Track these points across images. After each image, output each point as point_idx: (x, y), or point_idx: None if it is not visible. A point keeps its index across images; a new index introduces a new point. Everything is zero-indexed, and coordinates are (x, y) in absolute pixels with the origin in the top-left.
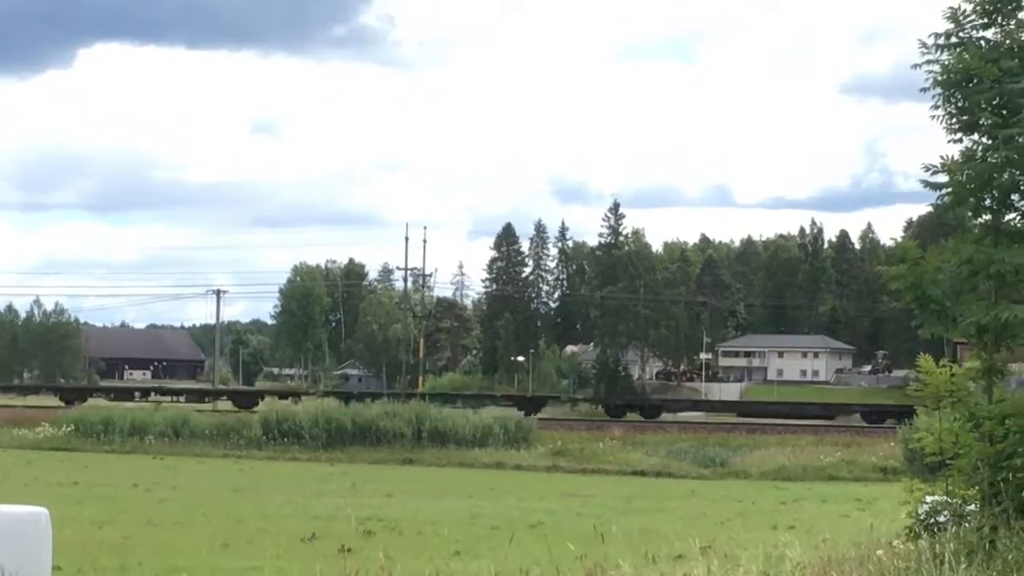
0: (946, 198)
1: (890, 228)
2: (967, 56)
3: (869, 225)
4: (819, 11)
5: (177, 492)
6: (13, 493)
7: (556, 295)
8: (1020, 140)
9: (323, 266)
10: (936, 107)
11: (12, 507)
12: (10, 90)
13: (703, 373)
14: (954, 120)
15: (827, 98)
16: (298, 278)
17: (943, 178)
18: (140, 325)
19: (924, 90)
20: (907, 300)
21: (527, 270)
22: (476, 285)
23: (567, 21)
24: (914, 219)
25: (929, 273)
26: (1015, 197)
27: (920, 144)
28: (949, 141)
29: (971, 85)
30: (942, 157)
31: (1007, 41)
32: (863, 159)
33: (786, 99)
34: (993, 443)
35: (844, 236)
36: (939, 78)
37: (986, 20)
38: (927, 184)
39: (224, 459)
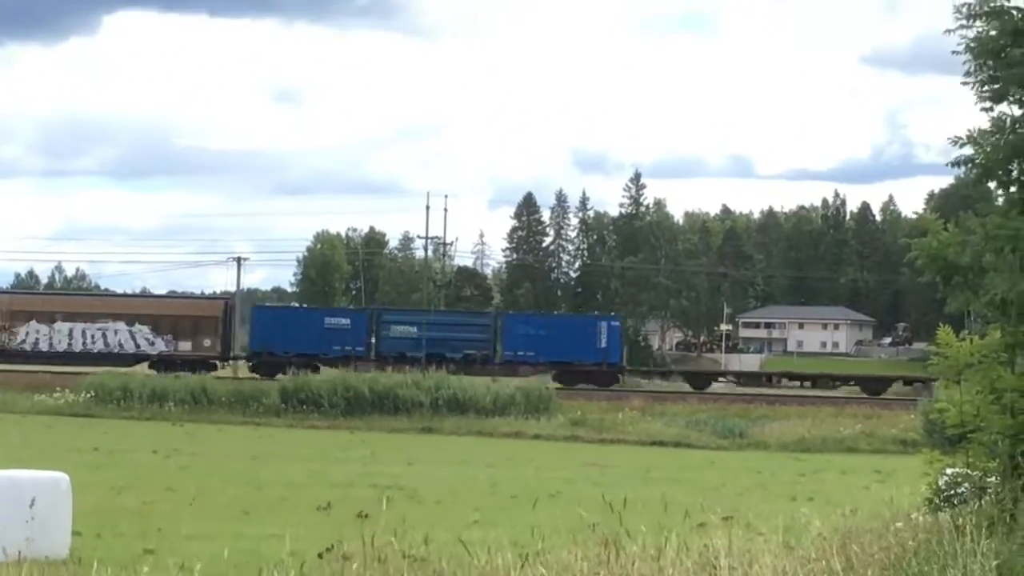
0: (972, 170)
1: (912, 200)
2: (999, 25)
3: (891, 197)
4: None
5: (197, 459)
6: (33, 458)
7: (576, 265)
8: None
9: (344, 234)
10: (968, 75)
11: (33, 472)
12: (34, 57)
13: (723, 344)
14: (984, 89)
15: (848, 69)
16: (319, 246)
17: (969, 150)
18: (160, 291)
19: (955, 53)
20: (931, 273)
21: (548, 240)
22: (496, 254)
23: None
24: (936, 191)
25: (953, 246)
26: None
27: (942, 116)
28: (980, 109)
29: (1003, 56)
30: (968, 130)
31: None
32: (884, 131)
33: (807, 70)
34: (1015, 416)
35: (866, 208)
36: (971, 46)
37: None
38: (953, 162)
39: (243, 426)
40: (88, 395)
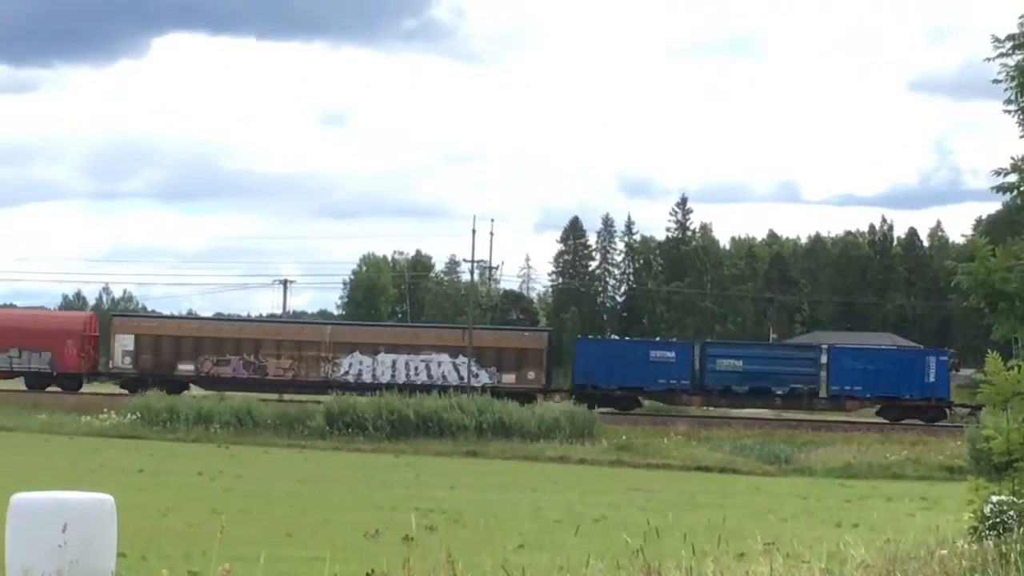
0: (1017, 197)
1: (960, 226)
2: None
3: (938, 223)
4: (886, 7)
5: (242, 481)
6: (79, 480)
7: (623, 289)
8: None
9: (390, 257)
10: (1009, 102)
11: (78, 494)
12: (84, 79)
13: None
14: None
15: (895, 95)
16: (365, 268)
17: (1013, 178)
18: (207, 314)
19: (996, 82)
20: (977, 298)
21: (594, 264)
22: (542, 278)
23: (635, 17)
24: (984, 217)
25: (1000, 271)
26: None
27: (989, 142)
28: (1021, 137)
29: None
30: (1012, 158)
31: None
32: (932, 157)
33: (853, 96)
34: None
35: (913, 233)
36: (1012, 74)
37: None
38: (998, 188)
39: (288, 449)
40: (134, 417)
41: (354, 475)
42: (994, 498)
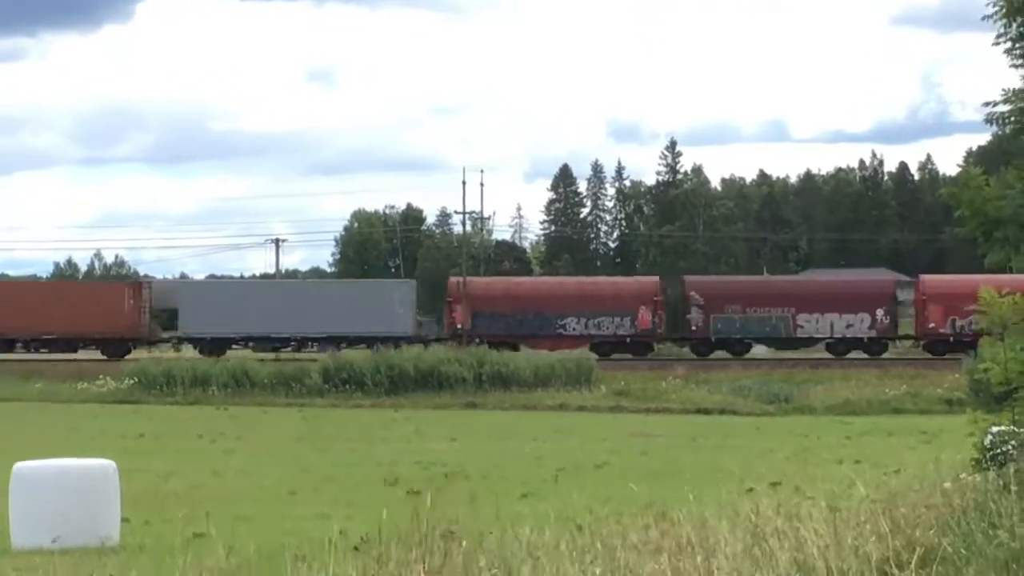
0: (1007, 127)
1: (950, 159)
2: None
3: (928, 156)
4: None
5: (242, 442)
6: (81, 447)
7: (615, 235)
8: None
9: (381, 212)
10: (1000, 35)
11: (81, 460)
12: (69, 47)
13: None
14: (1015, 47)
15: (879, 30)
16: (356, 224)
17: (1004, 108)
18: (200, 276)
19: (986, 18)
20: (971, 227)
21: (585, 211)
22: (534, 227)
23: None
24: (974, 148)
25: (992, 200)
26: None
27: (977, 73)
28: (1011, 66)
29: None
30: (1004, 90)
31: None
32: (919, 90)
33: (838, 33)
34: None
35: (903, 167)
36: (1001, 4)
37: None
38: (989, 119)
39: (287, 407)
40: (132, 382)
41: (353, 431)
42: (994, 428)
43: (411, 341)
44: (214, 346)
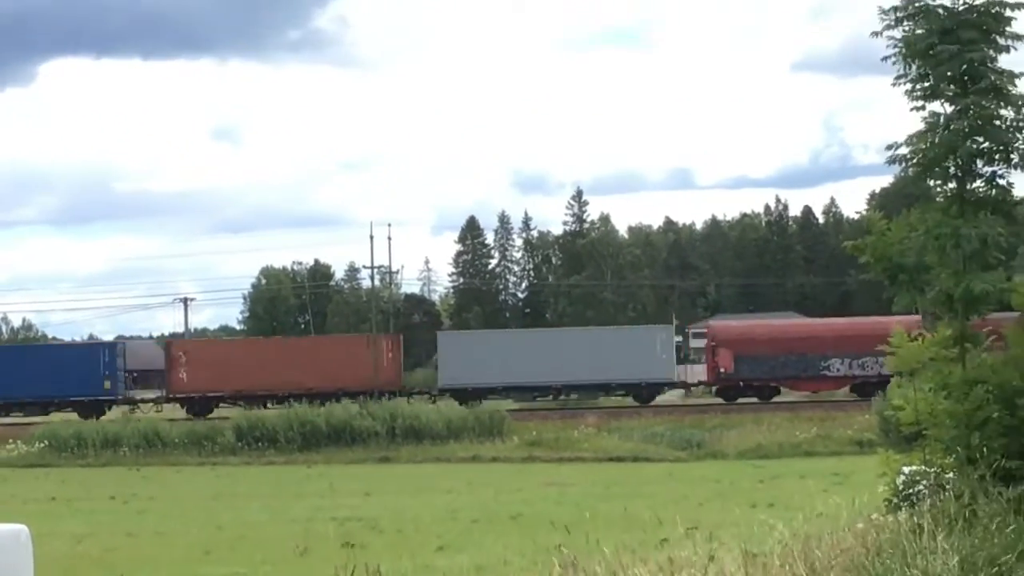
0: (910, 170)
1: (853, 201)
2: (927, 24)
3: (832, 199)
4: None
5: (155, 503)
6: None
7: (524, 285)
8: (983, 108)
9: (289, 268)
10: (899, 76)
11: None
12: None
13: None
14: (915, 88)
15: (780, 76)
16: (264, 281)
17: (904, 150)
18: (108, 337)
19: (886, 59)
20: (876, 272)
21: (493, 262)
22: (443, 280)
23: (519, 14)
24: (876, 191)
25: (896, 244)
26: (979, 164)
27: (877, 116)
28: (912, 109)
29: (932, 54)
30: (908, 136)
31: (965, 9)
32: (821, 135)
33: (740, 80)
34: (965, 408)
35: (808, 211)
36: (900, 47)
37: None
38: (891, 160)
39: (200, 467)
40: (41, 445)
41: (267, 488)
42: (906, 469)
43: (673, 386)
44: (469, 396)
